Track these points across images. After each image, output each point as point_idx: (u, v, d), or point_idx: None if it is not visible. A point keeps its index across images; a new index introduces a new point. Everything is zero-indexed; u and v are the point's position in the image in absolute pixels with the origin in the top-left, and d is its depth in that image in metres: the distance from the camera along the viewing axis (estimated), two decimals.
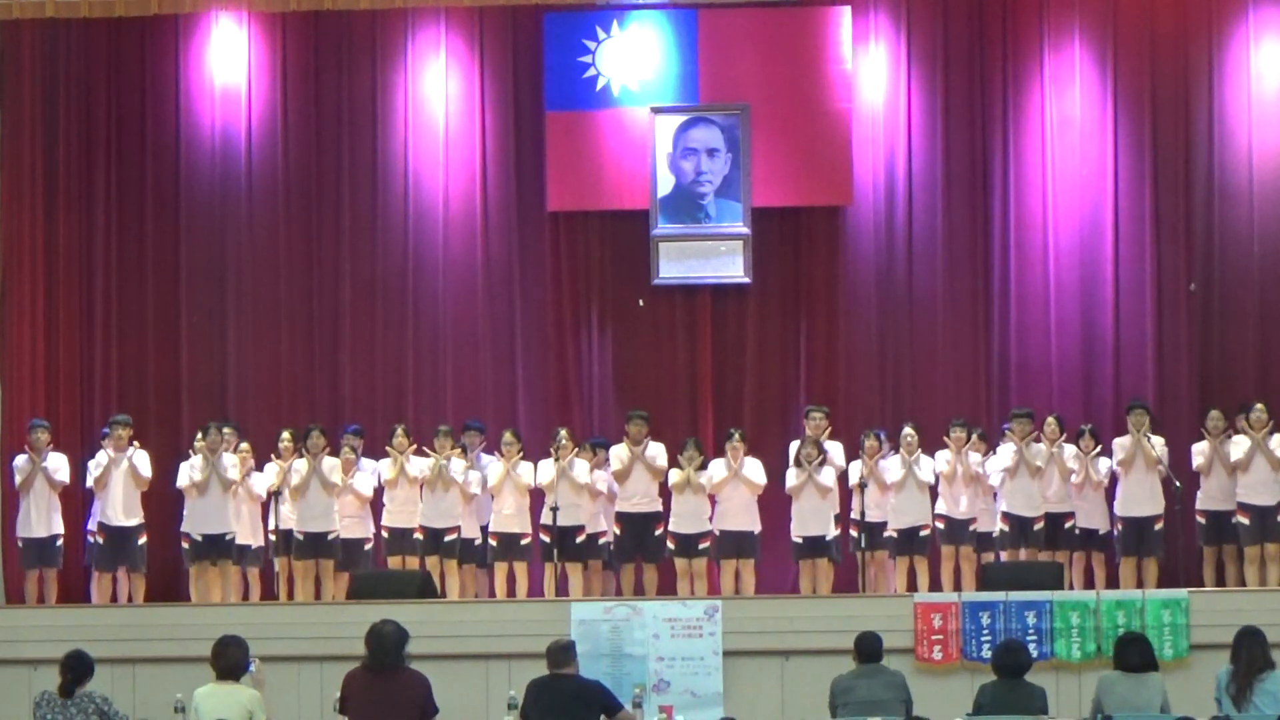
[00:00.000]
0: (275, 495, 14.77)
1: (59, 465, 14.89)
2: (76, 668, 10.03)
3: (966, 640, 13.15)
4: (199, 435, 14.96)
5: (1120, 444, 14.70)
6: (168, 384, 16.62)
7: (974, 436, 15.00)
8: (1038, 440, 14.81)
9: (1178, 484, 14.59)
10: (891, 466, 14.79)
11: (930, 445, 14.96)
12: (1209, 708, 10.32)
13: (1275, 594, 13.67)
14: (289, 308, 16.73)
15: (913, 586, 14.75)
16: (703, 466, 14.76)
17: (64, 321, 16.67)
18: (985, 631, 13.12)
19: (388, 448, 15.10)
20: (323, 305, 16.77)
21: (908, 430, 14.86)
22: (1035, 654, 12.64)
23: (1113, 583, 14.64)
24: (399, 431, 15.14)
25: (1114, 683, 10.15)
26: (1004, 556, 14.64)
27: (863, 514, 14.52)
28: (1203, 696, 10.69)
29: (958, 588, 14.51)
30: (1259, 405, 14.63)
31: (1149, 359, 16.21)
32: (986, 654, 12.75)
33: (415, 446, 15.08)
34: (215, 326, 16.67)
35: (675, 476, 14.71)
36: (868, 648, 10.62)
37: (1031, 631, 13.09)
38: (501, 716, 11.44)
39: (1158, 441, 14.62)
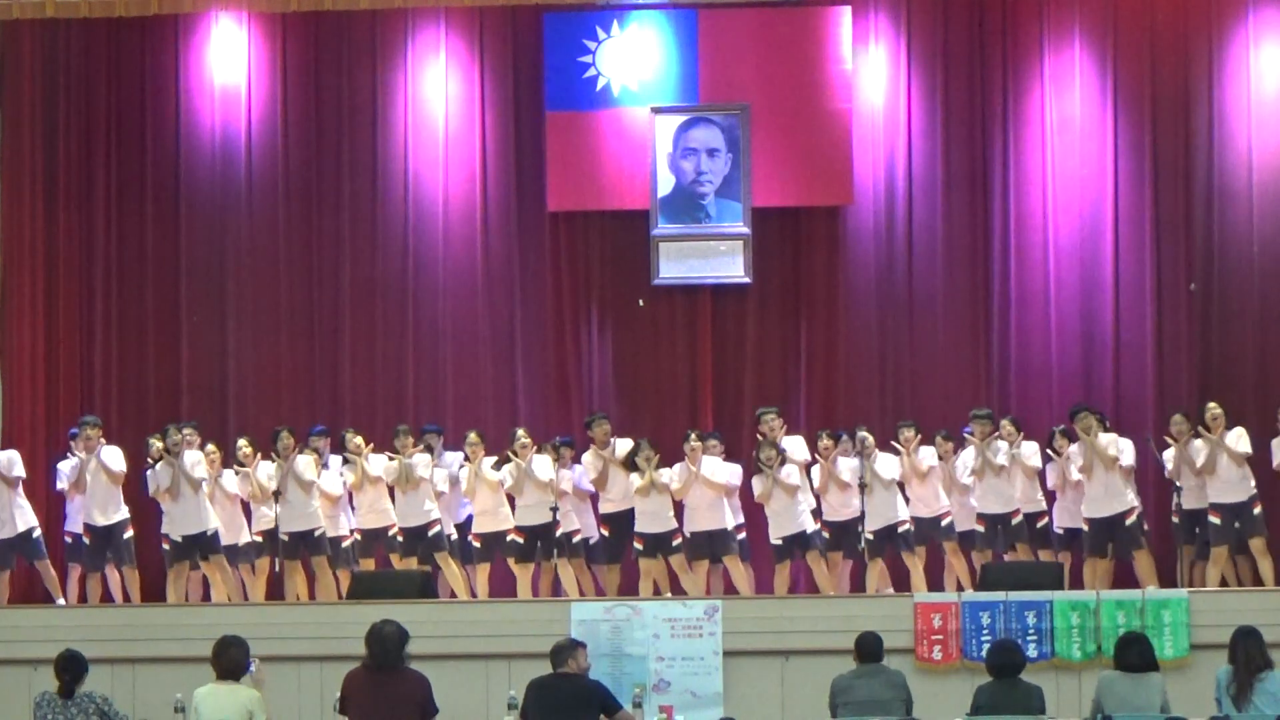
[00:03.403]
0: (273, 498, 14.73)
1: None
2: (72, 668, 10.04)
3: (966, 640, 13.14)
4: (156, 438, 14.77)
5: (1074, 451, 14.53)
6: (168, 384, 16.63)
7: (937, 437, 14.95)
8: (999, 439, 14.75)
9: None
10: (846, 466, 14.66)
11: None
12: (1209, 708, 10.33)
13: (1275, 594, 13.67)
14: (289, 308, 16.73)
15: (901, 585, 14.74)
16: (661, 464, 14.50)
17: (64, 321, 16.68)
18: (985, 631, 13.11)
19: (345, 454, 15.04)
20: (323, 305, 16.77)
21: (862, 433, 14.68)
22: (1035, 654, 12.75)
23: (1077, 583, 14.54)
24: (349, 434, 15.07)
25: (1114, 683, 10.15)
26: (985, 556, 14.59)
27: (819, 512, 14.60)
28: (1203, 696, 10.69)
29: (960, 588, 14.50)
30: (1211, 404, 14.50)
31: (1149, 359, 16.20)
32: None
33: (371, 446, 14.95)
34: (215, 326, 16.68)
35: (637, 481, 14.48)
36: (868, 648, 10.63)
37: (1031, 631, 13.08)
38: (501, 716, 11.45)
39: (1109, 437, 14.42)
